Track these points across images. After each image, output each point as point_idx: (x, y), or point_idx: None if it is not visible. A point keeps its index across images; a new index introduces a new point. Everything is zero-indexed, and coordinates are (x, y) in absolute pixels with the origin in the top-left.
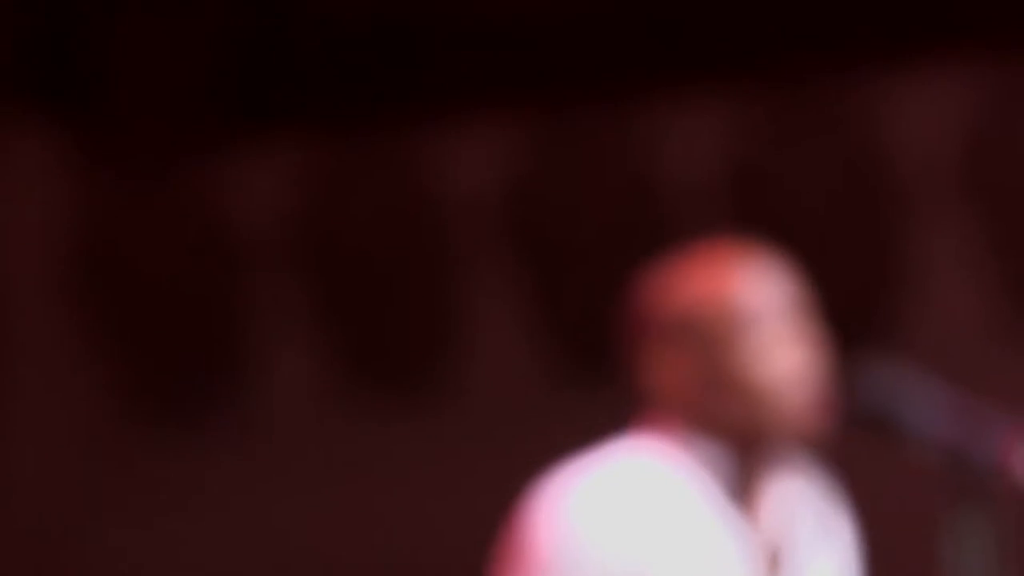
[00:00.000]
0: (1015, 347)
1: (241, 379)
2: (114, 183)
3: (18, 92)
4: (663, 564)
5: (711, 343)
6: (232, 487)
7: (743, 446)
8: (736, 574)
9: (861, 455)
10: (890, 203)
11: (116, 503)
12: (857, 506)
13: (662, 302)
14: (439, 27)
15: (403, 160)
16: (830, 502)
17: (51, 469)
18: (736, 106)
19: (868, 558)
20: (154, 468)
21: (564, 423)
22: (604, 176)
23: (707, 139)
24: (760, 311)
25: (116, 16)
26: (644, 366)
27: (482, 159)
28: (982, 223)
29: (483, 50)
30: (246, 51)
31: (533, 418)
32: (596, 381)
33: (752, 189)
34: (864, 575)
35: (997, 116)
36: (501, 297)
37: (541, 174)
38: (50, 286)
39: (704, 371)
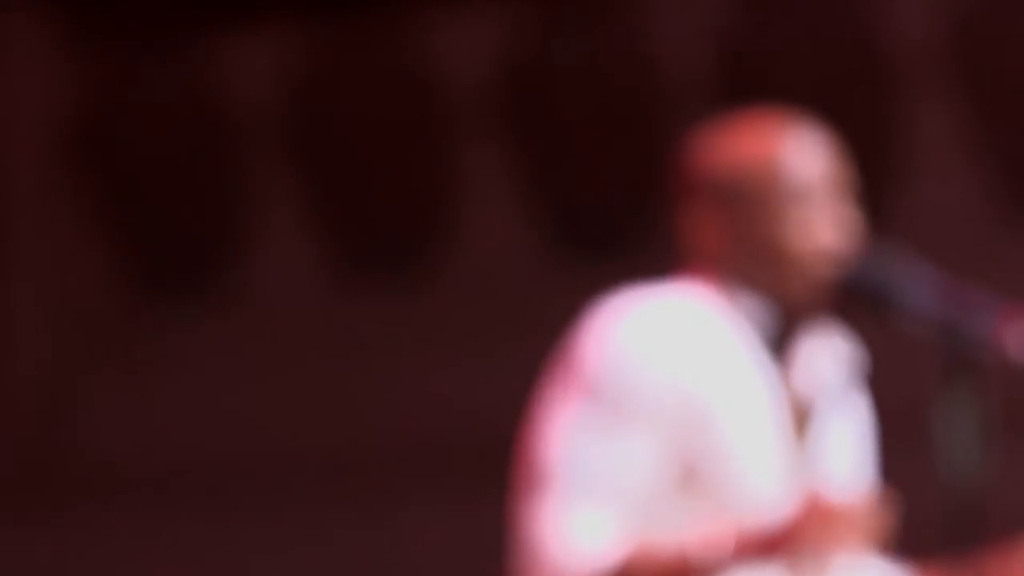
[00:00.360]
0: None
1: (234, 254)
2: (110, 60)
3: None
4: (708, 391)
5: (752, 205)
6: (223, 359)
7: (775, 306)
8: (769, 418)
9: (857, 329)
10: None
11: (111, 371)
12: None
13: (709, 162)
14: None
15: (399, 39)
16: (852, 369)
17: (49, 341)
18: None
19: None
20: (148, 339)
21: (551, 301)
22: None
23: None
24: (805, 182)
25: None
26: (686, 224)
27: (479, 42)
28: (976, 103)
29: None
30: None
31: (520, 296)
32: (584, 259)
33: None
34: (875, 442)
35: None
36: (493, 178)
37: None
38: (47, 163)
39: (741, 232)
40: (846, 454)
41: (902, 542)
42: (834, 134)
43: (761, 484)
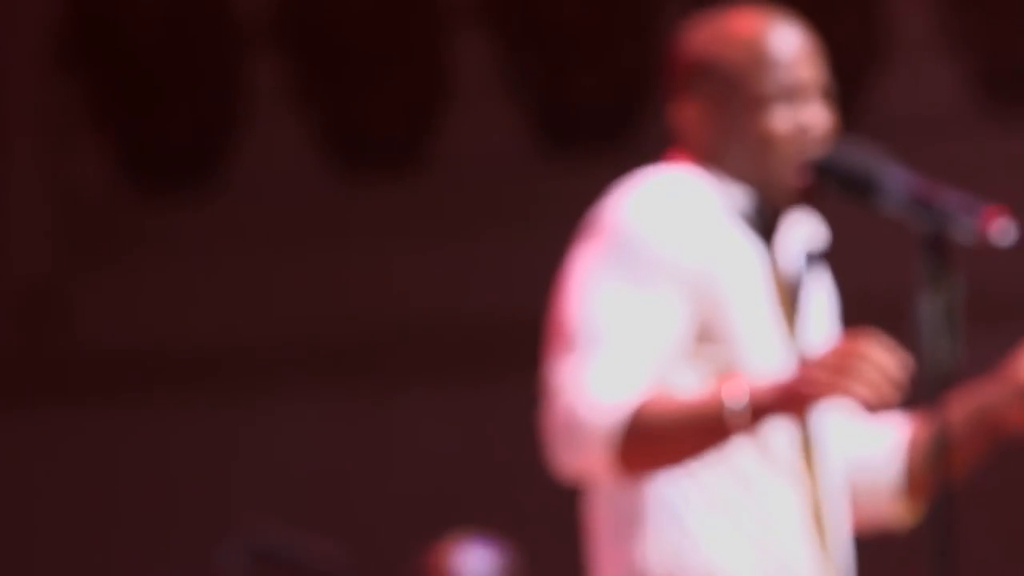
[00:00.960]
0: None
1: (226, 145)
2: None
3: None
4: (714, 260)
5: (735, 84)
6: (219, 246)
7: (758, 189)
8: (764, 293)
9: (835, 212)
10: None
11: (106, 257)
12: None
13: (690, 46)
14: None
15: None
16: (823, 252)
17: (45, 235)
18: None
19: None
20: (144, 226)
21: (540, 192)
22: None
23: None
24: (782, 60)
25: None
26: (672, 110)
27: None
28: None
29: None
30: None
31: (511, 187)
32: (572, 154)
33: None
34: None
35: None
36: (485, 71)
37: None
38: (40, 61)
39: (725, 114)
40: (824, 334)
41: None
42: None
43: (763, 354)
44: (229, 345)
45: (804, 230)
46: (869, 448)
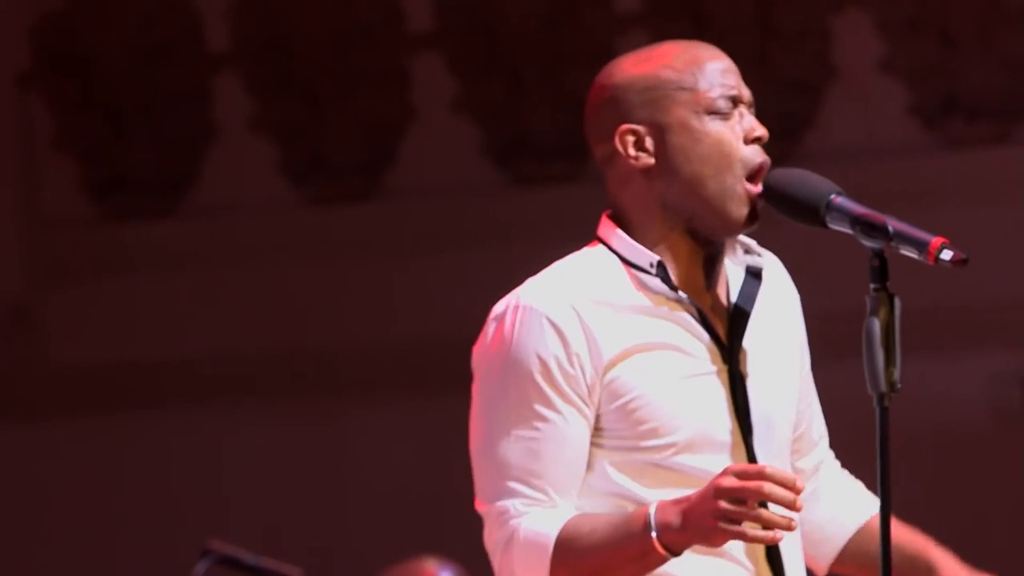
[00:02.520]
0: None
1: (195, 168)
2: None
3: None
4: (618, 347)
5: (670, 101)
6: (184, 266)
7: (708, 208)
8: (686, 357)
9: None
10: None
11: (75, 278)
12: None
13: (614, 80)
14: None
15: None
16: (780, 280)
17: (14, 250)
18: None
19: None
20: (112, 248)
21: (498, 216)
22: None
23: None
24: (716, 72)
25: None
26: (602, 150)
27: None
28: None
29: None
30: None
31: (469, 211)
32: (530, 180)
33: None
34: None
35: None
36: (444, 96)
37: None
38: (11, 75)
39: (662, 134)
40: (774, 370)
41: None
42: None
43: (702, 414)
44: (193, 363)
45: (753, 262)
46: (836, 507)
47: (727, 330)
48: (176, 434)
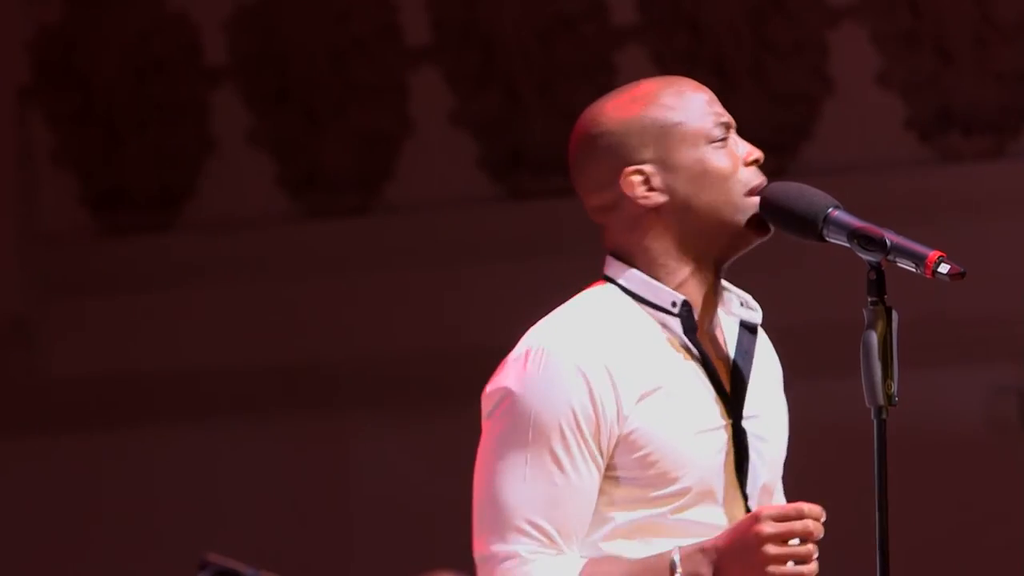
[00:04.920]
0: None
1: (192, 182)
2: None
3: None
4: (625, 390)
5: (668, 136)
6: (182, 280)
7: (712, 236)
8: (690, 395)
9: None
10: None
11: (73, 293)
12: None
13: (607, 119)
14: None
15: None
16: (763, 336)
17: (13, 266)
18: None
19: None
20: (110, 262)
21: (495, 230)
22: None
23: None
24: (704, 102)
25: None
26: (595, 194)
27: None
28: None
29: None
30: None
31: (466, 224)
32: (525, 194)
33: None
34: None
35: None
36: (441, 110)
37: None
38: (9, 91)
39: (663, 170)
40: (770, 428)
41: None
42: None
43: (706, 454)
44: (191, 377)
45: (743, 308)
46: None
47: (730, 384)
48: (174, 448)
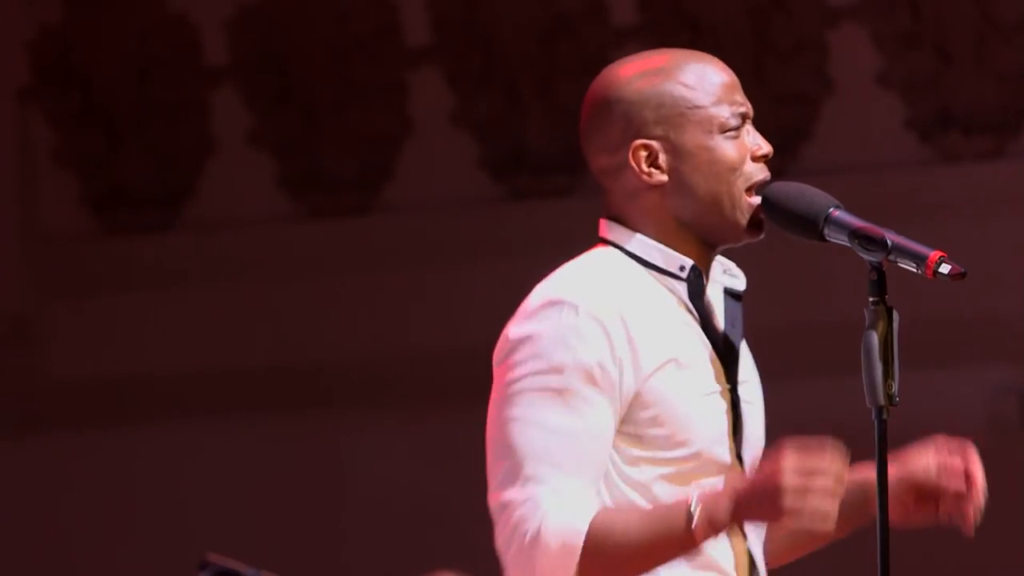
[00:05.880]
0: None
1: (193, 182)
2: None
3: None
4: (636, 341)
5: (682, 116)
6: (182, 280)
7: (709, 223)
8: (693, 355)
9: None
10: None
11: (74, 292)
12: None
13: (621, 88)
14: None
15: None
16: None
17: (14, 265)
18: None
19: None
20: (110, 262)
21: (495, 229)
22: None
23: None
24: (725, 87)
25: None
26: (605, 160)
27: None
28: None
29: None
30: None
31: (466, 224)
32: (526, 193)
33: None
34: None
35: None
36: (442, 110)
37: None
38: (9, 91)
39: (672, 149)
40: (755, 395)
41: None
42: None
43: (705, 418)
44: (192, 375)
45: (726, 275)
46: None
47: (723, 351)
48: (176, 448)
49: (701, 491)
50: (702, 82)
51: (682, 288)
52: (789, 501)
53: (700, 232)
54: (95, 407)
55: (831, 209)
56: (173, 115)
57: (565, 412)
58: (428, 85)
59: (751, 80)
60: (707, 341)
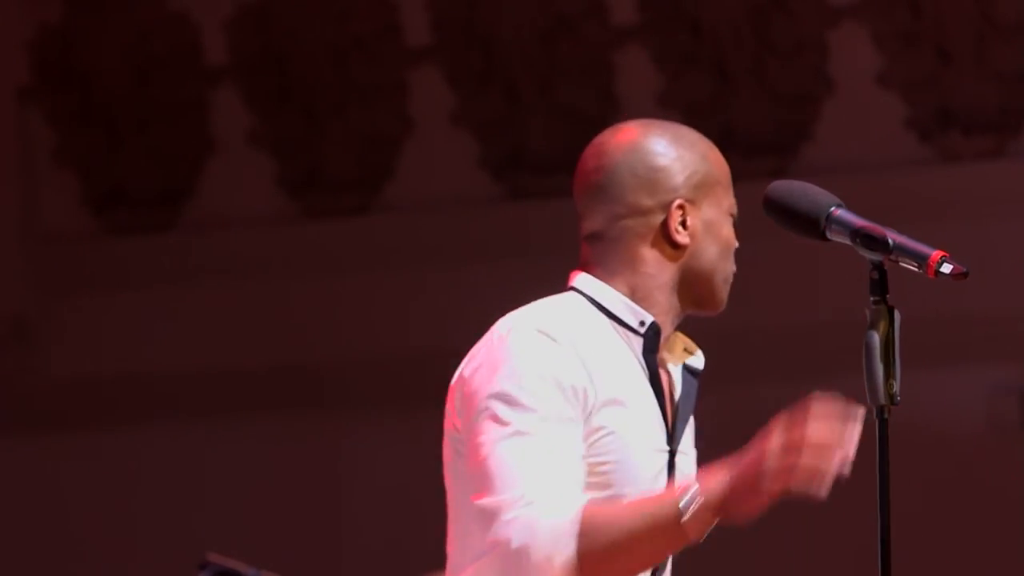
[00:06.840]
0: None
1: (192, 182)
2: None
3: None
4: (599, 379)
5: (709, 194)
6: (182, 280)
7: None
8: (643, 403)
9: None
10: None
11: (75, 292)
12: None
13: (642, 151)
14: None
15: None
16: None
17: (15, 266)
18: None
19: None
20: (110, 262)
21: (495, 230)
22: None
23: None
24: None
25: None
26: (610, 221)
27: None
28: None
29: None
30: None
31: (466, 224)
32: (526, 193)
33: None
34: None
35: None
36: (441, 110)
37: None
38: (9, 90)
39: (695, 218)
40: (691, 453)
41: None
42: None
43: (645, 463)
44: (192, 375)
45: (686, 352)
46: None
47: (670, 414)
48: (176, 448)
49: (688, 482)
50: (719, 165)
51: (638, 343)
52: (773, 486)
53: (689, 296)
54: (95, 407)
55: (833, 208)
56: (173, 115)
57: (540, 426)
58: (428, 85)
59: (751, 79)
60: (654, 399)
